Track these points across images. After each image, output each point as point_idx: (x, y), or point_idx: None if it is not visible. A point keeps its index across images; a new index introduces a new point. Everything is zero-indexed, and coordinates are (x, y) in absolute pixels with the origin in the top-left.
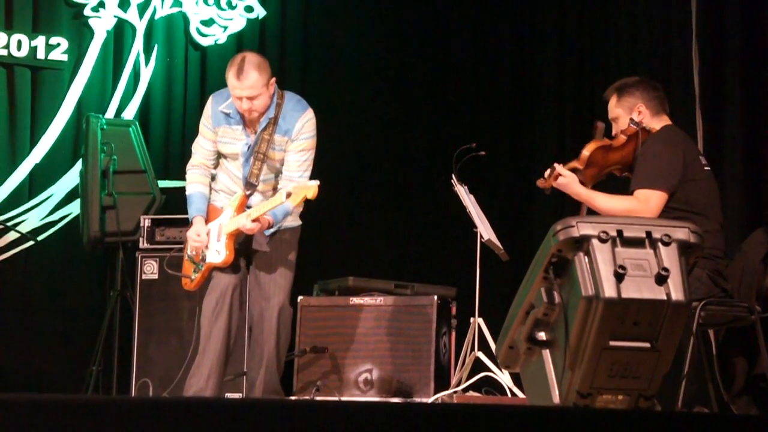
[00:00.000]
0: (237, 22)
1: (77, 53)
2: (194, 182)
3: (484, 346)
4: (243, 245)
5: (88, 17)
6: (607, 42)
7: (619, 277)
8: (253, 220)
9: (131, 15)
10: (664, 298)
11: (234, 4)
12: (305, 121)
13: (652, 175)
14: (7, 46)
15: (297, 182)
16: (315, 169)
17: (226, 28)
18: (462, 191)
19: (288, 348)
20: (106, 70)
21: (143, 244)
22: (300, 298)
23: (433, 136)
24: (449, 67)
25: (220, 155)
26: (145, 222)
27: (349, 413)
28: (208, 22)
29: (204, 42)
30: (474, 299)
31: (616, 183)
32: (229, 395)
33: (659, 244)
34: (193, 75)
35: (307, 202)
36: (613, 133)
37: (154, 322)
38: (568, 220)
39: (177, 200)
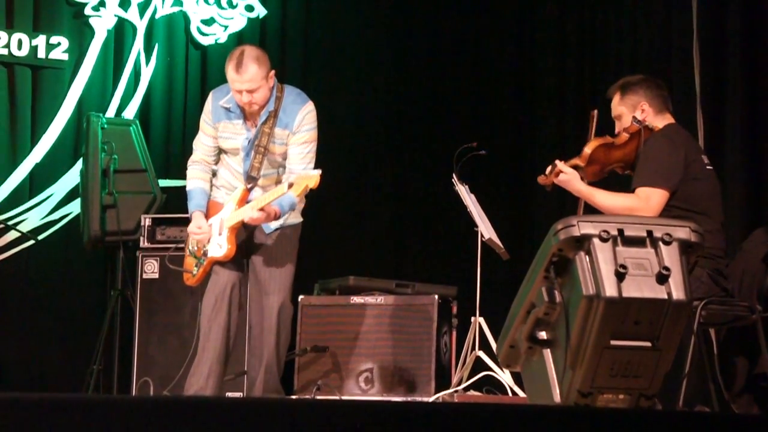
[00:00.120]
0: (238, 21)
1: (78, 52)
2: (194, 178)
3: (484, 345)
4: (244, 242)
5: (89, 16)
6: (608, 41)
7: (620, 277)
8: (259, 210)
9: (132, 14)
10: (665, 297)
11: (234, 4)
12: (306, 113)
13: (654, 174)
14: (7, 46)
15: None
16: (316, 167)
17: (226, 27)
18: (463, 190)
19: (288, 347)
20: (107, 69)
21: (144, 243)
22: (301, 297)
23: (434, 135)
24: (450, 66)
25: (221, 151)
26: (146, 221)
27: (349, 412)
28: (208, 22)
29: (204, 41)
30: (475, 298)
31: (618, 181)
32: (229, 394)
33: (660, 243)
34: (193, 74)
35: (308, 200)
36: (616, 131)
37: (155, 321)
38: (569, 220)
39: (178, 199)
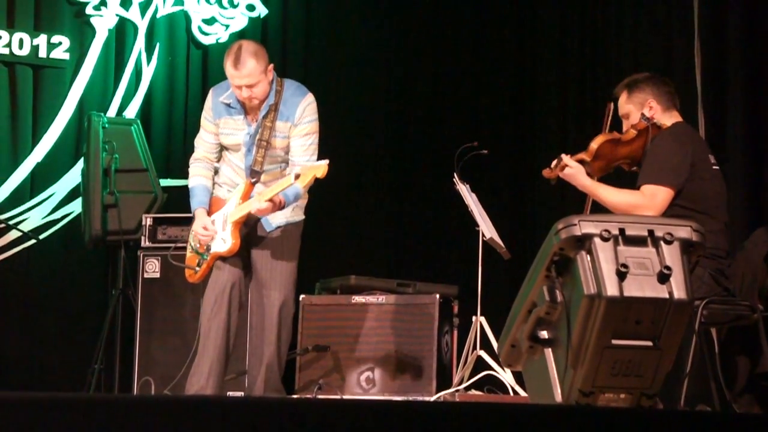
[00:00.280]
0: (239, 20)
1: (79, 52)
2: (196, 175)
3: (486, 345)
4: (245, 240)
5: (90, 16)
6: (609, 40)
7: (622, 276)
8: (267, 201)
9: (133, 13)
10: (667, 296)
11: (236, 3)
12: (306, 104)
13: (660, 172)
14: (8, 45)
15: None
16: (319, 160)
17: (227, 26)
18: (464, 190)
19: (290, 346)
20: (108, 68)
21: (145, 242)
22: (302, 296)
23: (435, 135)
24: (451, 65)
25: (222, 148)
26: (147, 220)
27: (350, 412)
28: (209, 21)
29: (206, 40)
30: (476, 298)
31: (621, 177)
32: (230, 394)
33: (661, 242)
34: (194, 74)
35: (310, 199)
36: (624, 129)
37: (156, 320)
38: (570, 219)
39: (179, 199)
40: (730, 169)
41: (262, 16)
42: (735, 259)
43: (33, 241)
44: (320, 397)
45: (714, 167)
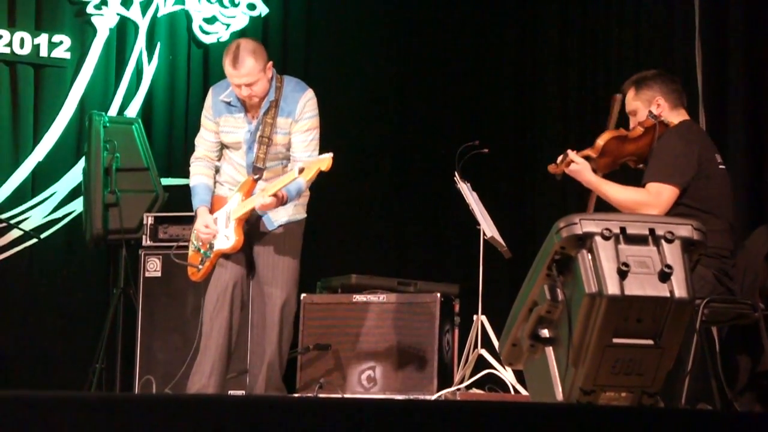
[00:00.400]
0: (240, 19)
1: (80, 51)
2: (198, 174)
3: (487, 344)
4: (247, 238)
5: (91, 15)
6: (609, 39)
7: (623, 275)
8: (271, 195)
9: (134, 13)
10: (668, 295)
11: (237, 2)
12: (306, 100)
13: (665, 170)
14: (9, 44)
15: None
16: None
17: (228, 25)
18: (465, 188)
19: (291, 345)
20: (109, 67)
21: (146, 241)
22: (303, 295)
23: (436, 134)
24: (452, 63)
25: (223, 147)
26: (148, 219)
27: (352, 411)
28: (210, 20)
29: (207, 40)
30: (477, 296)
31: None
32: (231, 392)
33: (662, 241)
34: (195, 73)
35: (310, 198)
36: (631, 126)
37: (157, 319)
38: (571, 218)
39: (180, 198)
40: (730, 169)
41: (262, 15)
42: (736, 258)
43: (34, 241)
44: (321, 395)
45: (720, 166)
